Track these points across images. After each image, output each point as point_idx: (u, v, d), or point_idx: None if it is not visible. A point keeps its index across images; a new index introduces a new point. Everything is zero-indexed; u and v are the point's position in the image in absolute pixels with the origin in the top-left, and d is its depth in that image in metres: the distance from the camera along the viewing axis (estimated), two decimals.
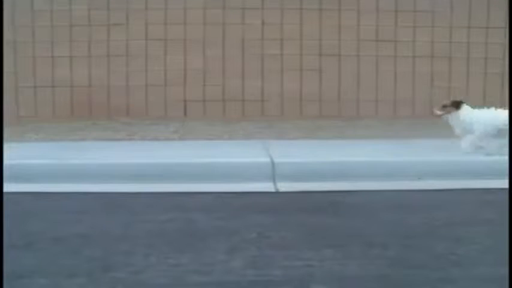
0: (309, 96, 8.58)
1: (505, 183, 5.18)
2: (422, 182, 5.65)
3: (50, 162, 5.94)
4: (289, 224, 4.44)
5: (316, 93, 8.61)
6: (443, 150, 6.34)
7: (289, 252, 3.76)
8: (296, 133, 7.61)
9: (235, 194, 5.28)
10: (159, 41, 8.50)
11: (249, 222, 4.42)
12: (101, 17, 8.44)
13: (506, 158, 5.63)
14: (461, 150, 6.08)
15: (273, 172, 5.76)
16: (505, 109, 6.22)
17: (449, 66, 8.73)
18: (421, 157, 6.06)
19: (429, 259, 3.67)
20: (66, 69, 8.49)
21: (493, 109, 6.26)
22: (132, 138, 7.36)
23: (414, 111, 8.62)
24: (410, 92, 8.65)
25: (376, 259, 3.67)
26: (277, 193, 5.46)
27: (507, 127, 6.02)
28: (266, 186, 5.54)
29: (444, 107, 6.24)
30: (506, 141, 5.92)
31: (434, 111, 6.26)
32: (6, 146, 5.82)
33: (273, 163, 5.85)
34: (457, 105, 6.19)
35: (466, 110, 6.20)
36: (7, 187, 4.90)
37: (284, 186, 5.53)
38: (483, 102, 8.63)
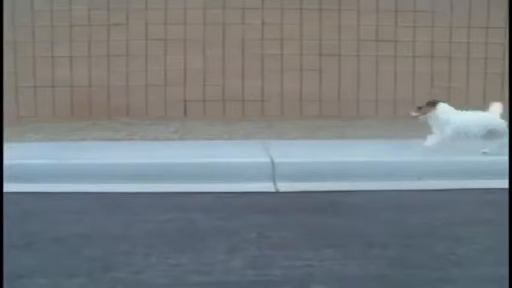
0: (309, 96, 8.58)
1: (505, 183, 5.18)
2: (422, 182, 5.65)
3: (50, 162, 5.94)
4: (289, 224, 4.44)
5: (316, 93, 8.61)
6: (443, 150, 6.33)
7: (289, 252, 3.76)
8: (296, 133, 7.61)
9: (235, 194, 5.28)
10: (159, 41, 8.50)
11: (249, 222, 4.42)
12: (101, 17, 8.44)
13: (506, 158, 5.63)
14: (424, 148, 6.07)
15: (273, 172, 5.76)
16: (487, 111, 6.25)
17: (449, 66, 8.73)
18: (421, 157, 6.05)
19: (429, 259, 3.67)
20: (66, 69, 8.49)
21: (477, 112, 6.27)
22: (132, 138, 7.36)
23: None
24: (410, 92, 8.65)
25: (376, 259, 3.67)
26: (277, 193, 5.46)
27: (488, 128, 6.09)
28: (266, 186, 5.54)
29: (419, 108, 6.23)
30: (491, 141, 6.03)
31: (410, 113, 6.26)
32: (6, 146, 5.82)
33: (273, 163, 5.85)
34: (432, 104, 6.18)
35: (443, 108, 6.18)
36: (7, 187, 4.90)
37: (284, 186, 5.53)
38: (483, 102, 8.64)
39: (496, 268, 3.49)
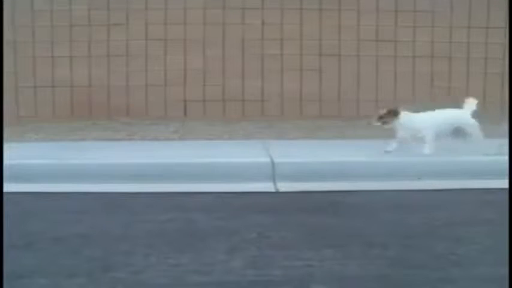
0: (309, 96, 8.58)
1: (505, 183, 5.18)
2: (422, 182, 5.65)
3: (50, 162, 5.94)
4: (289, 224, 4.44)
5: (316, 93, 8.61)
6: (443, 150, 6.33)
7: (289, 252, 3.76)
8: (296, 133, 7.61)
9: (235, 194, 5.28)
10: (159, 41, 8.50)
11: (249, 222, 4.42)
12: (101, 17, 8.44)
13: (506, 158, 5.63)
14: (425, 155, 6.05)
15: (273, 172, 5.76)
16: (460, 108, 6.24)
17: (449, 66, 8.73)
18: (421, 157, 6.05)
19: (429, 259, 3.67)
20: (66, 69, 8.49)
21: (437, 111, 6.25)
22: (132, 138, 7.36)
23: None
24: (410, 92, 8.65)
25: (376, 259, 3.67)
26: (277, 193, 5.46)
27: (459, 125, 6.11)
28: (266, 186, 5.54)
29: (380, 117, 6.19)
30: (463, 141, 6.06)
31: (372, 122, 6.22)
32: (6, 146, 5.82)
33: (273, 163, 5.85)
34: (394, 114, 6.12)
35: (405, 117, 6.13)
36: (7, 187, 4.90)
37: (284, 186, 5.53)
38: (483, 102, 8.64)
39: (496, 268, 3.49)
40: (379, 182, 5.57)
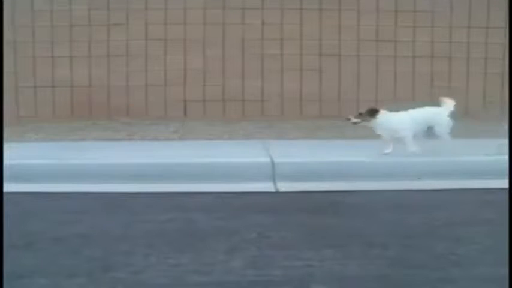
0: (309, 96, 8.58)
1: (505, 183, 5.18)
2: (422, 182, 5.65)
3: (50, 162, 5.94)
4: (289, 224, 4.44)
5: (316, 93, 8.61)
6: (443, 150, 6.34)
7: (289, 252, 3.76)
8: (296, 133, 7.61)
9: (235, 194, 5.28)
10: (159, 41, 8.50)
11: (249, 222, 4.42)
12: (101, 17, 8.44)
13: (506, 158, 5.62)
14: (410, 154, 6.05)
15: (273, 172, 5.76)
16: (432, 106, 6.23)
17: (449, 66, 8.73)
18: (421, 157, 6.05)
19: (429, 259, 3.67)
20: (66, 69, 8.49)
21: (417, 109, 6.23)
22: (132, 138, 7.36)
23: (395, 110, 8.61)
24: (410, 92, 8.65)
25: (376, 259, 3.67)
26: (277, 193, 5.46)
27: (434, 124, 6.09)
28: (266, 186, 5.54)
29: (360, 114, 6.19)
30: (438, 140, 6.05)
31: (351, 119, 6.21)
32: (6, 146, 5.82)
33: (273, 163, 5.85)
34: (372, 113, 6.12)
35: (384, 117, 6.12)
36: (7, 187, 4.90)
37: (284, 186, 5.53)
38: (483, 102, 8.66)
39: (496, 268, 3.49)
40: (379, 182, 5.57)
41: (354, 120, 6.15)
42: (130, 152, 6.51)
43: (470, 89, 8.72)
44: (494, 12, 8.63)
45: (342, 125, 7.91)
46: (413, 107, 6.31)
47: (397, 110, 6.28)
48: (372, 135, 7.22)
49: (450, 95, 8.22)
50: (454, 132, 7.27)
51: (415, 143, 6.07)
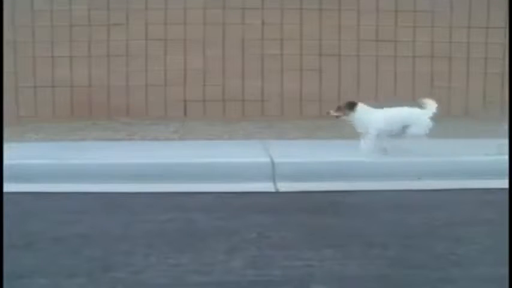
0: (309, 96, 8.58)
1: (505, 183, 5.18)
2: (422, 182, 5.65)
3: (50, 162, 5.94)
4: (289, 224, 4.44)
5: (316, 93, 8.61)
6: (443, 150, 6.34)
7: (289, 252, 3.76)
8: (296, 133, 7.61)
9: (235, 194, 5.28)
10: (159, 41, 8.50)
11: (249, 222, 4.42)
12: (101, 17, 8.44)
13: (506, 158, 5.63)
14: (361, 151, 6.06)
15: (273, 172, 5.76)
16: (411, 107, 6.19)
17: (449, 66, 8.73)
18: (421, 157, 6.05)
19: (429, 259, 3.67)
20: (66, 69, 8.49)
21: (395, 108, 6.21)
22: (132, 138, 7.36)
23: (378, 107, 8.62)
24: (410, 92, 8.64)
25: (376, 259, 3.67)
26: (277, 193, 5.46)
27: (408, 123, 6.06)
28: (266, 186, 5.54)
29: (339, 108, 6.21)
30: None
31: (330, 112, 6.22)
32: (6, 146, 5.82)
33: (273, 163, 5.85)
34: (350, 107, 6.14)
35: (361, 110, 6.14)
36: (7, 187, 4.90)
37: (284, 186, 5.53)
38: (483, 102, 8.66)
39: (496, 268, 3.49)
40: (379, 182, 5.57)
41: (334, 113, 6.17)
42: (130, 152, 6.51)
43: (470, 89, 8.72)
44: (494, 12, 8.63)
45: (342, 125, 7.93)
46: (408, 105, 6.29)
47: (381, 107, 6.27)
48: None
49: (450, 95, 8.24)
50: (455, 132, 7.30)
51: (376, 143, 6.07)
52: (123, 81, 8.54)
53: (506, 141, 5.92)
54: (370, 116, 6.13)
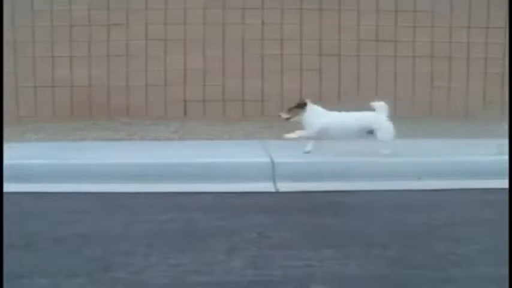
0: (309, 96, 8.55)
1: (505, 183, 5.18)
2: (422, 182, 5.65)
3: (50, 162, 5.94)
4: (289, 224, 4.44)
5: (316, 93, 8.61)
6: (443, 150, 6.34)
7: (289, 252, 3.76)
8: None
9: (235, 194, 5.28)
10: (159, 41, 8.51)
11: (249, 222, 4.42)
12: (101, 17, 8.45)
13: (506, 158, 5.62)
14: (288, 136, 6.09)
15: (273, 172, 5.76)
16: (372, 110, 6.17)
17: (449, 66, 8.73)
18: (421, 157, 6.05)
19: (429, 259, 3.67)
20: (66, 69, 8.49)
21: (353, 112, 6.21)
22: (132, 138, 7.36)
23: (414, 111, 8.63)
24: (410, 92, 8.66)
25: (376, 259, 3.67)
26: (277, 193, 5.46)
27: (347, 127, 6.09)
28: (266, 186, 5.54)
29: (290, 110, 6.21)
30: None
31: (281, 115, 6.21)
32: (6, 146, 5.82)
33: (273, 163, 5.85)
34: (301, 106, 6.15)
35: (310, 110, 6.14)
36: (7, 187, 4.90)
37: (284, 186, 5.53)
38: (483, 102, 8.65)
39: (496, 268, 3.49)
40: (379, 182, 5.57)
41: (285, 116, 6.17)
42: (131, 152, 6.51)
43: (470, 89, 8.73)
44: (494, 12, 8.64)
45: None
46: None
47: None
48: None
49: (450, 95, 8.24)
50: (455, 132, 7.30)
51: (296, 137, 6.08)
52: (123, 81, 8.55)
53: (506, 141, 5.92)
54: (319, 116, 6.14)
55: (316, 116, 6.14)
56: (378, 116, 6.11)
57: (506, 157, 5.63)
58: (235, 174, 5.68)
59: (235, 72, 8.58)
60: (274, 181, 5.66)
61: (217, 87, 8.60)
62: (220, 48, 8.56)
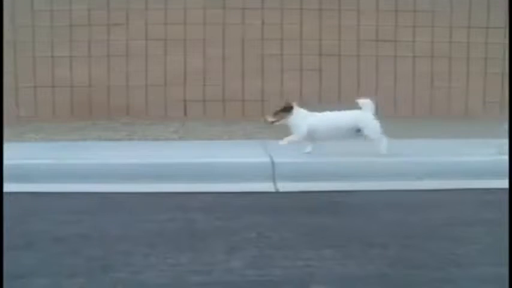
0: (309, 96, 8.58)
1: (505, 183, 5.17)
2: (422, 182, 5.64)
3: (49, 162, 5.94)
4: (289, 224, 4.44)
5: (316, 93, 8.62)
6: (443, 150, 6.34)
7: (289, 252, 3.76)
8: None
9: (235, 194, 5.28)
10: (159, 41, 8.51)
11: (249, 222, 4.42)
12: (101, 17, 8.45)
13: (506, 158, 5.62)
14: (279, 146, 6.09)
15: (273, 172, 5.75)
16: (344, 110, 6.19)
17: (449, 66, 8.73)
18: (421, 157, 6.05)
19: (429, 259, 3.67)
20: (66, 69, 8.50)
21: (340, 111, 6.20)
22: (132, 138, 7.36)
23: (414, 111, 8.63)
24: (410, 92, 8.66)
25: (376, 259, 3.67)
26: (277, 193, 5.46)
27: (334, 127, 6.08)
28: (266, 186, 5.54)
29: (276, 113, 6.20)
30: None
31: (267, 119, 6.21)
32: (6, 146, 5.82)
33: (273, 163, 5.85)
34: (287, 110, 6.15)
35: (297, 114, 6.14)
36: (7, 187, 4.90)
37: (284, 186, 5.53)
38: (483, 102, 8.65)
39: (496, 268, 3.49)
40: (379, 182, 5.56)
41: (271, 119, 6.18)
42: (130, 152, 6.51)
43: (470, 89, 8.73)
44: (494, 12, 8.64)
45: None
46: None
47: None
48: None
49: (450, 95, 8.24)
50: (455, 132, 7.30)
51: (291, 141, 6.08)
52: (123, 81, 8.55)
53: (506, 141, 5.92)
54: (305, 120, 6.13)
55: (303, 118, 6.15)
56: (364, 114, 6.10)
57: (506, 157, 5.63)
58: (235, 174, 5.68)
59: (235, 72, 8.59)
60: (274, 181, 5.66)
61: (217, 87, 8.60)
62: (220, 48, 8.56)
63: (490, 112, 8.43)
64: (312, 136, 6.12)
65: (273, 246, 3.91)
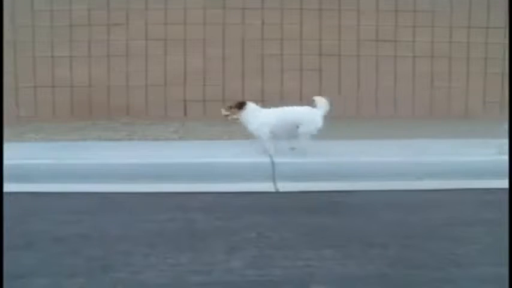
0: (309, 96, 8.57)
1: (505, 183, 5.18)
2: (422, 182, 5.65)
3: (49, 162, 5.94)
4: (289, 224, 4.44)
5: (316, 93, 8.57)
6: (443, 150, 6.34)
7: (289, 252, 3.77)
8: None
9: (235, 194, 5.28)
10: (159, 41, 8.51)
11: (249, 222, 4.42)
12: (101, 17, 8.45)
13: (506, 158, 5.63)
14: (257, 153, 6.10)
15: (273, 172, 5.76)
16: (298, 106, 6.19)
17: (449, 66, 8.73)
18: (421, 157, 6.05)
19: (429, 259, 3.67)
20: (66, 69, 8.49)
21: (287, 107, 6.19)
22: (132, 138, 7.36)
23: (414, 111, 8.63)
24: (410, 92, 8.66)
25: (376, 259, 3.67)
26: (277, 193, 5.46)
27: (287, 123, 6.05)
28: (266, 186, 5.54)
29: (230, 107, 6.25)
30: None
31: (222, 111, 6.26)
32: (6, 146, 5.82)
33: (273, 163, 5.85)
34: (239, 106, 6.18)
35: (249, 110, 6.16)
36: (7, 187, 4.89)
37: (284, 186, 5.53)
38: (483, 102, 8.66)
39: (496, 268, 3.49)
40: (379, 182, 5.57)
41: (225, 113, 6.24)
42: (130, 152, 6.51)
43: (470, 89, 8.72)
44: (494, 12, 8.64)
45: (342, 125, 7.93)
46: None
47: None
48: (372, 135, 7.23)
49: (450, 95, 8.23)
50: (455, 132, 7.30)
51: (269, 142, 6.08)
52: (123, 81, 8.54)
53: (506, 141, 5.92)
54: (258, 116, 6.15)
55: (254, 115, 6.16)
56: (310, 111, 6.10)
57: (506, 157, 5.63)
58: (235, 174, 5.69)
59: (235, 72, 8.58)
60: (274, 181, 5.66)
61: (217, 87, 8.59)
62: (220, 48, 8.56)
63: (490, 112, 8.43)
64: (273, 133, 6.12)
65: (273, 246, 3.92)
